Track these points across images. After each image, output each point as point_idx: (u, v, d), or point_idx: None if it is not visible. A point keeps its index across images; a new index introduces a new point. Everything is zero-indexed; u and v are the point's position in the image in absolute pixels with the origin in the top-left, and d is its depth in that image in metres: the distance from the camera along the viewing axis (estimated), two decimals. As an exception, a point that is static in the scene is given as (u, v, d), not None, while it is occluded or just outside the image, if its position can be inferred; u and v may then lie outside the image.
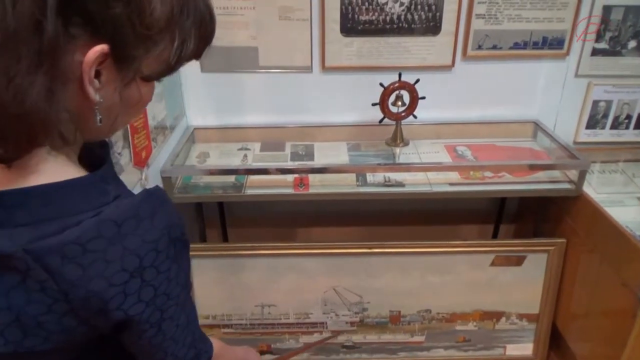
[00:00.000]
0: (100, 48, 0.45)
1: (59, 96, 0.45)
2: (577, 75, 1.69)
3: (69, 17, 0.44)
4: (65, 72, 0.45)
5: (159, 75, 0.53)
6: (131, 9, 0.46)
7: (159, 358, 0.56)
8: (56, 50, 0.43)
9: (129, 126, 1.22)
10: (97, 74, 0.47)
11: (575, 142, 1.79)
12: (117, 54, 0.47)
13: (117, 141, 1.16)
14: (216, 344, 0.68)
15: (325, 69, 1.67)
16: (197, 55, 0.55)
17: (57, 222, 0.46)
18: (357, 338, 1.71)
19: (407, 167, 1.56)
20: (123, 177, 1.18)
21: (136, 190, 0.47)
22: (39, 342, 0.49)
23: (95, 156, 0.57)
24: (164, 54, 0.51)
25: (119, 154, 1.17)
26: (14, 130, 0.44)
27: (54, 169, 0.49)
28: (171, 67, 0.53)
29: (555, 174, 1.58)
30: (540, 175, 1.57)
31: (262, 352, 1.71)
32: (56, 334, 0.49)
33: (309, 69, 1.68)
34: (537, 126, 1.76)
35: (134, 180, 1.28)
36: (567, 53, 1.65)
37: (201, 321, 1.66)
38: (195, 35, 0.53)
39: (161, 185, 1.47)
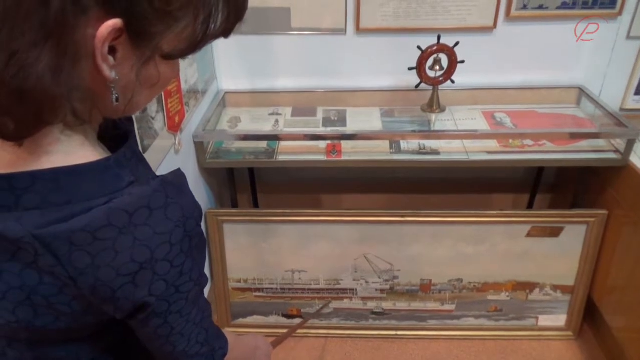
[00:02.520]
0: (113, 23, 0.41)
1: (69, 73, 0.41)
2: (629, 37, 1.59)
3: None
4: (77, 47, 0.41)
5: (181, 54, 0.48)
6: None
7: (167, 351, 0.55)
8: (64, 23, 0.40)
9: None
10: (113, 51, 0.44)
11: (622, 109, 1.70)
12: (133, 30, 0.43)
13: (151, 105, 1.15)
14: (228, 337, 0.66)
15: (359, 30, 1.61)
16: (226, 32, 0.50)
17: (67, 208, 0.44)
18: (387, 305, 1.71)
19: (443, 135, 1.52)
20: (157, 143, 1.19)
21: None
22: (50, 321, 0.48)
23: (120, 129, 0.55)
24: (187, 31, 0.46)
25: (153, 118, 1.16)
26: (17, 108, 0.41)
27: (68, 150, 0.47)
28: (195, 45, 0.48)
29: (600, 142, 1.51)
30: (584, 144, 1.50)
31: (292, 316, 1.74)
32: (67, 316, 0.48)
33: (342, 30, 1.62)
34: (582, 92, 1.67)
35: (168, 145, 1.27)
36: (620, 13, 1.54)
37: (233, 285, 1.69)
38: (223, 9, 0.47)
39: (193, 151, 1.47)
